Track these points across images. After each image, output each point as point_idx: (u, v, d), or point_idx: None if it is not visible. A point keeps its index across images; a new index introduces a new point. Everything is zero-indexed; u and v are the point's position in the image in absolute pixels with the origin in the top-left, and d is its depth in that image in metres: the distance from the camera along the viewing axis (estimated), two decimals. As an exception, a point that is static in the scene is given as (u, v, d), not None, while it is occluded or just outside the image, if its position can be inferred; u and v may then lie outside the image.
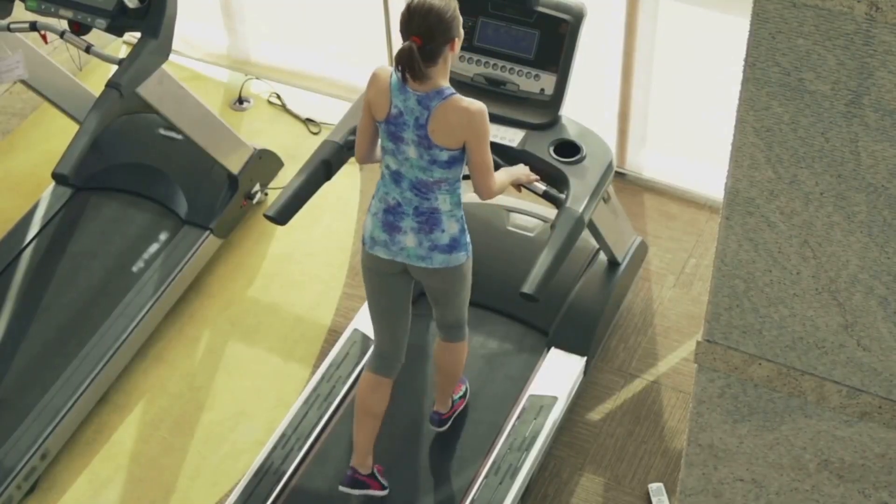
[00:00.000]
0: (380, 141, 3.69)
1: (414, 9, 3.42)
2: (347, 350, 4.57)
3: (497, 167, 3.85)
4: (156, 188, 5.14)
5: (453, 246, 3.69)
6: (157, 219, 5.07)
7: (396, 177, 3.64)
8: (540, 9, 4.09)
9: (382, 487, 4.10)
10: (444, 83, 3.52)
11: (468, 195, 3.94)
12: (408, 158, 3.59)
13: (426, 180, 3.60)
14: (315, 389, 4.44)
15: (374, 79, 3.60)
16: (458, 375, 4.17)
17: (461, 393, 4.34)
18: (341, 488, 4.06)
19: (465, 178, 3.72)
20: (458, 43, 3.50)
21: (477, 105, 3.50)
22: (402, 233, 3.68)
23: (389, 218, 3.68)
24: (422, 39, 3.41)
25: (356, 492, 4.06)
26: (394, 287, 3.84)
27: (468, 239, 3.75)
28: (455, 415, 4.31)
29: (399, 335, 3.96)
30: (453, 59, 3.56)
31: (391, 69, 3.57)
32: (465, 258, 3.74)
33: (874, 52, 2.11)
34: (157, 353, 4.83)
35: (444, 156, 3.55)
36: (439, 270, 3.72)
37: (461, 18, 3.49)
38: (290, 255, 5.17)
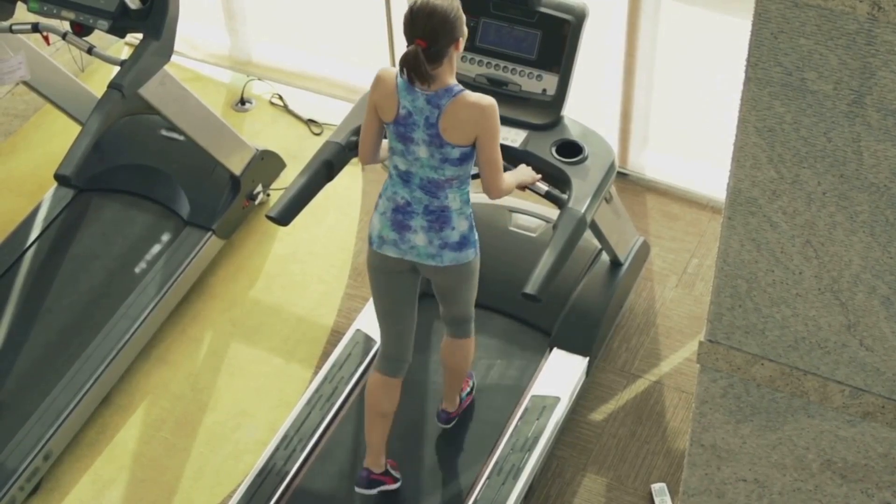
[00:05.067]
0: (387, 142, 3.68)
1: (417, 11, 3.41)
2: (350, 350, 4.57)
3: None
4: (158, 189, 5.14)
5: (463, 244, 3.69)
6: (159, 220, 5.08)
7: (406, 177, 3.64)
8: (542, 9, 4.09)
9: (395, 480, 4.11)
10: (452, 81, 3.52)
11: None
12: (418, 158, 3.58)
13: (437, 179, 3.60)
14: (317, 390, 4.44)
15: (379, 81, 3.58)
16: (466, 372, 4.18)
17: (468, 389, 4.35)
18: (357, 489, 4.07)
19: (475, 176, 3.72)
20: (463, 42, 3.50)
21: (488, 100, 3.49)
22: (413, 231, 3.67)
23: (399, 217, 3.67)
24: (426, 42, 3.40)
25: (372, 491, 4.07)
26: (400, 286, 3.84)
27: (476, 236, 3.75)
28: (462, 411, 4.33)
29: (405, 334, 3.96)
30: (458, 57, 3.56)
31: (395, 70, 3.56)
32: (473, 255, 3.75)
33: (876, 52, 2.11)
34: (159, 353, 4.83)
35: (456, 153, 3.55)
36: (449, 268, 3.72)
37: (464, 17, 3.48)
38: (293, 256, 5.17)
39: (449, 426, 4.30)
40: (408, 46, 3.45)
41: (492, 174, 3.59)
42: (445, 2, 3.42)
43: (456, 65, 3.54)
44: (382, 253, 3.74)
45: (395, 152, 3.63)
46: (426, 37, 3.40)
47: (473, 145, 3.55)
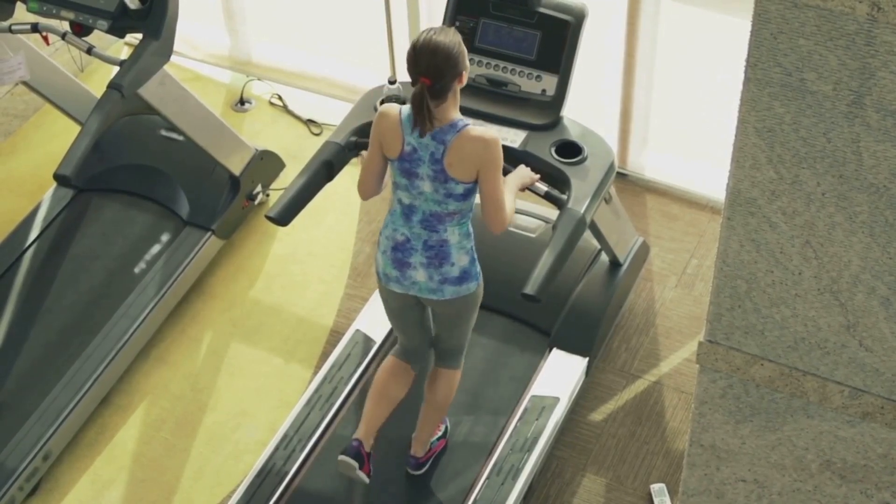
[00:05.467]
0: (391, 176, 3.68)
1: (420, 49, 3.40)
2: (349, 351, 4.57)
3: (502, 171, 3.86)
4: (157, 189, 5.14)
5: (463, 278, 3.72)
6: (158, 220, 5.08)
7: (408, 211, 3.65)
8: (541, 10, 4.09)
9: (369, 474, 3.93)
10: (456, 115, 3.52)
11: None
12: (422, 192, 3.59)
13: (440, 212, 3.62)
14: (317, 390, 4.44)
15: (383, 118, 3.58)
16: (445, 409, 4.10)
17: (441, 433, 4.25)
18: (341, 457, 3.87)
19: None
20: (466, 75, 3.49)
21: (491, 133, 3.50)
22: (413, 268, 3.70)
23: (398, 255, 3.70)
24: (431, 79, 3.39)
25: (354, 463, 3.85)
26: (411, 312, 3.91)
27: (478, 268, 3.77)
28: (433, 458, 4.21)
29: (421, 341, 4.02)
30: (460, 91, 3.54)
31: (398, 107, 3.56)
32: (475, 287, 3.78)
33: (876, 53, 2.11)
34: (159, 354, 4.83)
35: (460, 189, 3.56)
36: (451, 300, 3.75)
37: (466, 51, 3.48)
38: (292, 256, 5.17)
39: (419, 472, 4.17)
40: (412, 84, 3.45)
41: (493, 210, 3.58)
42: (447, 38, 3.42)
43: (459, 99, 3.53)
44: (389, 288, 3.79)
45: (399, 187, 3.64)
46: (430, 74, 3.39)
47: (476, 182, 3.56)
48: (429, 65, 3.38)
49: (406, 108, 3.55)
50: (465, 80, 3.50)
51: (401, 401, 4.05)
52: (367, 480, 3.91)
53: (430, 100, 3.41)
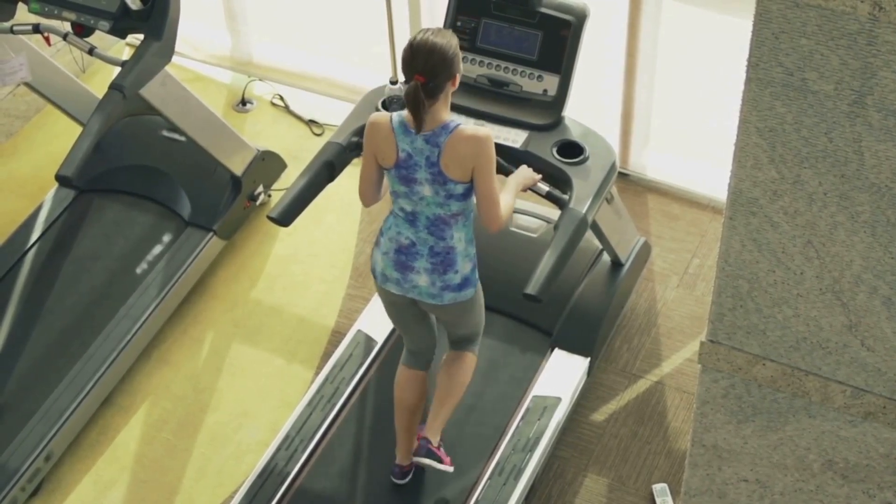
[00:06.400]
0: (389, 185, 3.69)
1: (417, 48, 3.45)
2: (351, 351, 4.57)
3: (502, 170, 3.86)
4: (159, 190, 5.14)
5: (463, 285, 3.74)
6: (160, 220, 5.08)
7: (411, 217, 3.66)
8: (542, 10, 4.09)
9: (450, 464, 3.94)
10: (447, 116, 3.55)
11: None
12: (423, 198, 3.61)
13: (443, 215, 3.63)
14: (319, 390, 4.44)
15: (374, 127, 3.60)
16: (459, 393, 4.01)
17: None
18: (394, 480, 4.14)
19: None
20: (459, 78, 3.54)
21: (483, 131, 3.53)
22: (416, 272, 3.71)
23: (402, 258, 3.70)
24: (425, 78, 3.43)
25: (405, 480, 4.14)
26: (411, 312, 3.91)
27: (477, 275, 3.80)
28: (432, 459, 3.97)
29: (425, 339, 4.03)
30: (452, 92, 3.58)
31: (388, 114, 3.59)
32: (472, 293, 3.80)
33: (877, 52, 2.11)
34: (160, 354, 4.83)
35: (460, 189, 3.58)
36: (447, 306, 3.77)
37: (461, 54, 3.53)
38: (294, 257, 5.17)
39: (427, 460, 3.91)
40: (406, 83, 3.48)
41: (489, 208, 3.60)
42: (444, 39, 3.47)
43: (450, 100, 3.57)
44: (387, 289, 3.80)
45: (399, 195, 3.65)
46: (425, 73, 3.43)
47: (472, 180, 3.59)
48: (424, 63, 3.43)
49: (396, 116, 3.57)
50: (457, 83, 3.55)
51: (422, 405, 4.08)
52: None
53: (423, 97, 3.45)
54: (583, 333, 4.56)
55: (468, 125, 3.54)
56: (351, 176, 5.20)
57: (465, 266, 3.71)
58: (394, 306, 3.90)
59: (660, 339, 4.80)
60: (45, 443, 4.36)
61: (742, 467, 2.95)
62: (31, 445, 4.35)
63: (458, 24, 4.16)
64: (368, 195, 3.75)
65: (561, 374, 4.47)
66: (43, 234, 5.04)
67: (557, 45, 4.08)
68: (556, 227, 3.89)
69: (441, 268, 3.68)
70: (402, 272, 3.72)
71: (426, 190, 3.59)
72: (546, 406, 4.36)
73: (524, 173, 3.89)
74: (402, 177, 3.60)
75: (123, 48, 6.02)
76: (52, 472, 4.46)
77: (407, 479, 4.14)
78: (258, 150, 5.20)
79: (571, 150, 4.09)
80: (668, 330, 4.82)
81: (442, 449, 3.98)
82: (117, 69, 4.45)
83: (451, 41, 3.48)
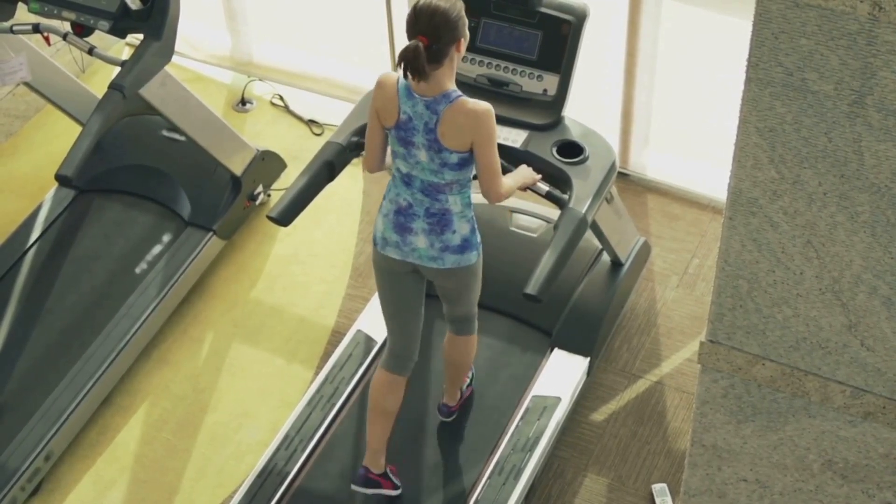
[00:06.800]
0: (389, 145, 3.70)
1: (420, 9, 3.44)
2: (351, 351, 4.57)
3: (502, 170, 3.86)
4: (159, 190, 5.14)
5: (464, 246, 3.71)
6: (160, 220, 5.08)
7: (407, 179, 3.66)
8: (542, 9, 4.09)
9: (395, 487, 4.10)
10: (451, 86, 3.54)
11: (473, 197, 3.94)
12: (419, 162, 3.61)
13: (437, 182, 3.63)
14: (318, 390, 4.44)
15: (380, 86, 3.61)
16: (468, 368, 4.23)
17: (468, 381, 4.38)
18: (354, 487, 4.06)
19: (476, 177, 3.73)
20: (464, 44, 3.52)
21: (483, 106, 3.51)
22: (414, 234, 3.69)
23: (400, 219, 3.70)
24: (428, 39, 3.42)
25: (368, 491, 4.06)
26: (406, 286, 3.87)
27: (479, 238, 3.77)
28: (463, 403, 4.38)
29: (412, 333, 3.99)
30: (458, 60, 3.57)
31: (396, 75, 3.58)
32: (475, 257, 3.77)
33: (877, 52, 2.11)
34: (160, 354, 4.83)
35: (454, 158, 3.57)
36: (451, 270, 3.74)
37: (466, 19, 3.51)
38: (294, 257, 5.17)
39: (450, 419, 4.34)
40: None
41: (490, 179, 3.61)
42: (448, 2, 3.45)
43: (456, 68, 3.55)
44: (386, 254, 3.77)
45: (398, 156, 3.66)
46: (428, 34, 3.42)
47: (471, 151, 3.57)
48: (427, 25, 3.42)
49: (403, 77, 3.55)
50: (462, 49, 3.52)
51: (398, 412, 4.06)
52: (396, 493, 4.11)
53: (426, 60, 3.42)
54: (583, 333, 4.56)
55: (470, 99, 3.53)
56: (351, 176, 5.21)
57: (462, 226, 3.69)
58: (392, 279, 3.84)
59: (660, 339, 4.80)
60: (44, 442, 4.36)
61: (742, 467, 2.95)
62: (30, 445, 4.35)
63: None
64: (373, 159, 3.76)
65: (561, 374, 4.47)
66: (43, 234, 5.04)
67: (557, 44, 4.09)
68: (555, 227, 3.89)
69: (438, 228, 3.67)
70: (401, 234, 3.71)
71: (422, 155, 3.59)
72: (546, 406, 4.36)
73: (524, 173, 3.89)
74: (400, 138, 3.61)
75: (123, 48, 6.02)
76: (51, 471, 4.46)
77: (386, 485, 4.08)
78: (258, 150, 5.20)
79: (571, 149, 4.09)
80: (667, 330, 4.82)
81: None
82: (117, 69, 4.45)
83: (455, 4, 3.47)
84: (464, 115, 3.51)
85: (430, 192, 3.65)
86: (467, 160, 3.59)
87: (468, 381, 4.38)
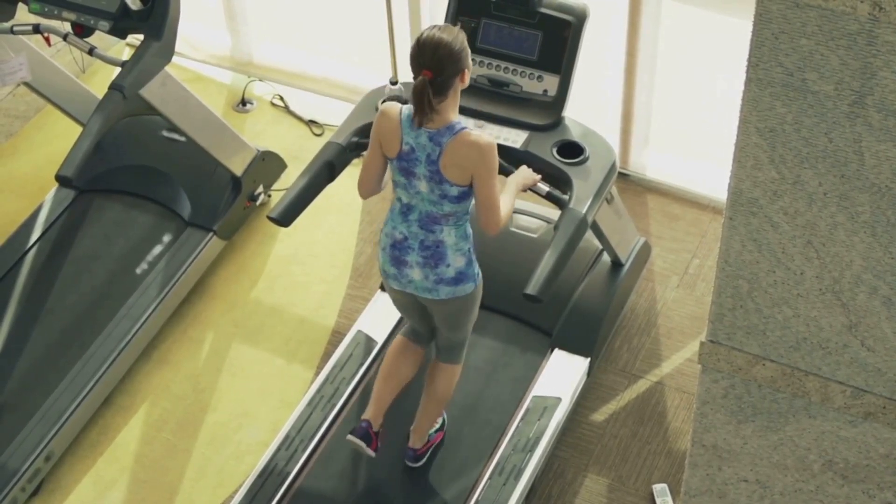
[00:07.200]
0: (391, 175, 3.72)
1: (423, 43, 3.47)
2: (351, 351, 4.57)
3: (502, 170, 3.86)
4: (159, 190, 5.14)
5: (459, 279, 3.75)
6: (160, 221, 5.08)
7: (406, 210, 3.69)
8: (543, 10, 4.09)
9: (375, 450, 4.01)
10: (455, 117, 3.56)
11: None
12: (419, 192, 3.64)
13: (436, 213, 3.66)
14: (319, 391, 4.44)
15: (384, 117, 3.63)
16: (444, 403, 4.13)
17: (438, 425, 4.26)
18: (350, 437, 3.96)
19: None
20: (468, 74, 3.55)
21: (486, 140, 3.53)
22: (409, 266, 3.74)
23: (396, 252, 3.74)
24: (432, 73, 3.44)
25: (362, 443, 3.94)
26: (415, 305, 3.94)
27: (476, 269, 3.79)
28: (431, 450, 4.24)
29: (428, 323, 4.06)
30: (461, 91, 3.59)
31: (399, 105, 3.61)
32: (472, 288, 3.80)
33: (877, 53, 2.11)
34: (160, 355, 4.83)
35: (455, 191, 3.60)
36: (446, 300, 3.78)
37: (469, 50, 3.54)
38: (294, 257, 5.17)
39: (418, 464, 4.20)
40: (414, 79, 3.49)
41: (487, 213, 3.62)
42: (450, 34, 3.48)
43: (459, 99, 3.57)
44: (390, 284, 3.85)
45: (399, 185, 3.69)
46: (432, 67, 3.44)
47: (472, 185, 3.60)
48: (431, 58, 3.44)
49: (406, 108, 3.59)
50: (466, 80, 3.55)
51: (409, 382, 4.09)
52: (373, 455, 3.99)
53: (431, 94, 3.45)
54: (583, 333, 4.56)
55: (473, 131, 3.55)
56: (351, 176, 5.20)
57: (456, 260, 3.71)
58: (398, 301, 3.96)
59: (660, 339, 4.80)
60: (45, 443, 4.36)
61: (742, 467, 2.95)
62: (31, 445, 4.35)
63: (459, 24, 4.16)
64: (368, 185, 3.77)
65: (561, 375, 4.47)
66: (43, 234, 5.04)
67: (557, 45, 4.09)
68: (556, 228, 3.89)
69: (432, 261, 3.70)
70: (398, 267, 3.75)
71: (423, 186, 3.61)
72: (546, 406, 4.36)
73: (524, 174, 3.89)
74: (402, 168, 3.63)
75: (123, 48, 6.02)
76: (52, 472, 4.46)
77: (372, 446, 3.97)
78: (258, 151, 5.20)
79: (571, 150, 4.09)
80: (668, 330, 4.82)
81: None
82: (117, 69, 4.45)
83: (458, 36, 3.49)
84: (467, 146, 3.52)
85: (427, 224, 3.67)
86: (467, 193, 3.62)
87: (438, 424, 4.25)
